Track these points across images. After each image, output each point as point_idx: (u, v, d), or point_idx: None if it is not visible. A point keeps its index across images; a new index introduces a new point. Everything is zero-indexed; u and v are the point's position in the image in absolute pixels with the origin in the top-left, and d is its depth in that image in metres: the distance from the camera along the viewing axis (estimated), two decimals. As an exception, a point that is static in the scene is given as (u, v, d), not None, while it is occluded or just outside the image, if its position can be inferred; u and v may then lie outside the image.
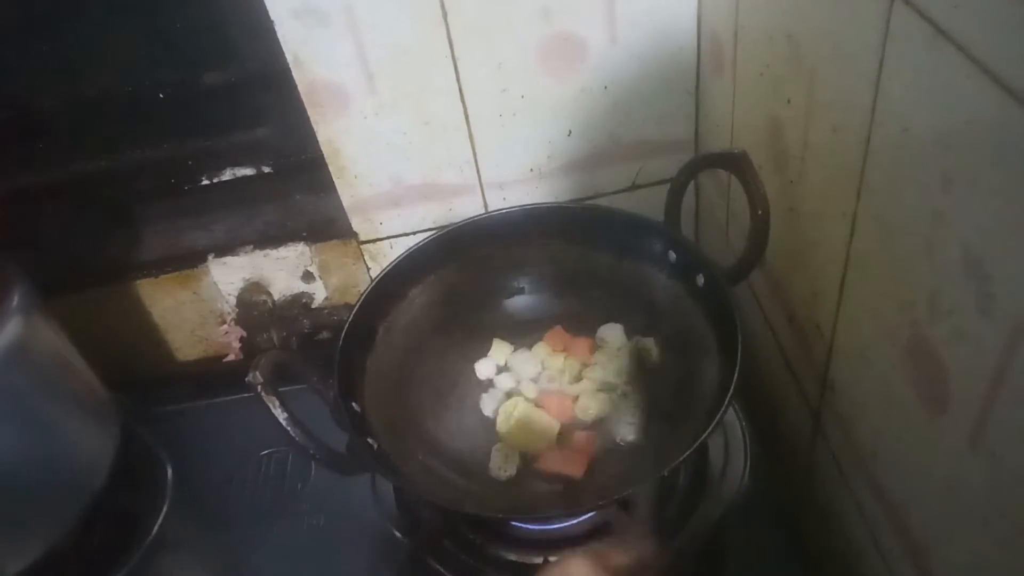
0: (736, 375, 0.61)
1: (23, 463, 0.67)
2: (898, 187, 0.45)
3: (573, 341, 0.78)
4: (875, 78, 0.45)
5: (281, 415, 0.57)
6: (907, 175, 0.44)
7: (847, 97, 0.49)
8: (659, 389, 0.73)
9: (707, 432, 0.58)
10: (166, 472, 0.84)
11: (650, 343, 0.75)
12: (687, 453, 0.58)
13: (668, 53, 0.79)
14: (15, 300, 0.68)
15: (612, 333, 0.77)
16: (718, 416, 0.59)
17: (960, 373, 0.42)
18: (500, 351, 0.78)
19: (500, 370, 0.77)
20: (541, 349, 0.78)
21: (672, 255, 0.74)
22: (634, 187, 0.89)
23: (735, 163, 0.65)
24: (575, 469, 0.68)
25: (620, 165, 0.87)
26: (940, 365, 0.44)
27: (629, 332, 0.77)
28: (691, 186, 0.75)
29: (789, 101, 0.59)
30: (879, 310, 0.51)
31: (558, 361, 0.76)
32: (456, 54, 0.77)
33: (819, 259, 0.59)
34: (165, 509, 0.80)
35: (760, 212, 0.64)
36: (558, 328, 0.78)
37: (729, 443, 0.70)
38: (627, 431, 0.70)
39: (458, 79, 0.78)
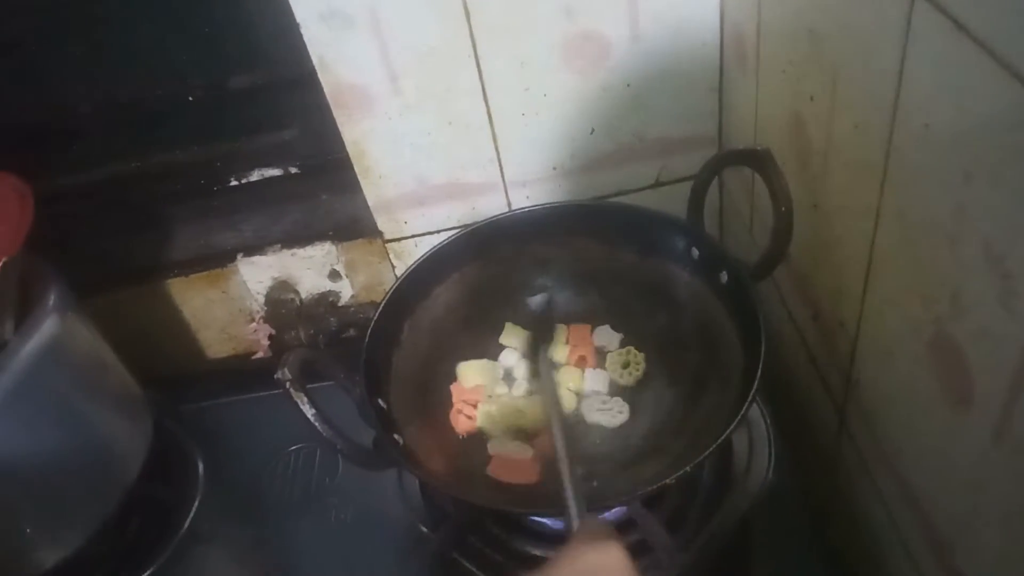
0: (760, 372, 0.61)
1: (60, 457, 0.69)
2: (920, 183, 0.45)
3: (585, 342, 0.78)
4: (897, 74, 0.45)
5: (309, 411, 0.58)
6: (929, 171, 0.44)
7: (869, 93, 0.49)
8: (681, 386, 0.73)
9: (730, 428, 0.58)
10: (197, 467, 0.86)
11: (640, 358, 0.75)
12: (711, 449, 0.58)
13: (691, 50, 0.79)
14: (51, 300, 0.70)
15: (606, 337, 0.78)
16: (741, 412, 0.59)
17: (983, 369, 0.42)
18: (511, 336, 0.79)
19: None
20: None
21: (695, 252, 0.74)
22: (657, 184, 0.89)
23: (758, 160, 0.65)
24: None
25: (643, 162, 0.88)
26: (963, 361, 0.44)
27: (622, 342, 0.78)
28: (715, 183, 0.75)
29: (812, 97, 0.59)
30: (903, 306, 0.51)
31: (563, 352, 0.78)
32: (479, 54, 0.77)
33: (843, 255, 0.59)
34: (197, 502, 0.82)
35: (783, 208, 0.64)
36: (585, 327, 0.79)
37: (753, 439, 0.70)
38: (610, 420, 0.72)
39: (481, 79, 0.79)
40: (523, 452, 0.70)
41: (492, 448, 0.71)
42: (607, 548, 0.46)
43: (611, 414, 0.72)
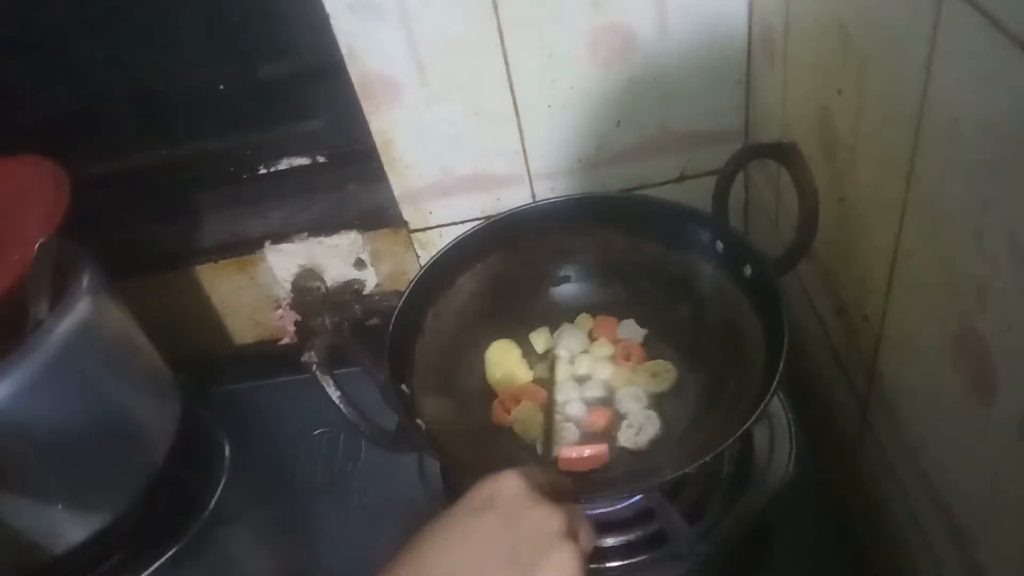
0: (782, 365, 0.61)
1: (90, 437, 0.71)
2: (947, 177, 0.45)
3: (611, 335, 0.79)
4: (925, 67, 0.45)
5: (334, 393, 0.59)
6: (956, 164, 0.44)
7: (897, 87, 0.49)
8: (704, 378, 0.73)
9: (751, 420, 0.58)
10: (223, 450, 0.88)
11: (672, 371, 0.74)
12: (730, 440, 0.58)
13: (718, 43, 0.79)
14: (85, 282, 0.72)
15: (631, 331, 0.78)
16: (763, 405, 0.59)
17: (1008, 363, 0.42)
18: (540, 339, 0.79)
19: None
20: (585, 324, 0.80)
21: (719, 245, 0.74)
22: (682, 178, 0.89)
23: (785, 154, 0.65)
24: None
25: (669, 156, 0.88)
26: (988, 355, 0.43)
27: (647, 337, 0.78)
28: (741, 177, 0.75)
29: (839, 91, 0.59)
30: (928, 300, 0.51)
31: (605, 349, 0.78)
32: (506, 45, 0.78)
33: (868, 249, 0.59)
34: (222, 485, 0.84)
35: (809, 202, 0.64)
36: (611, 320, 0.79)
37: (774, 433, 0.70)
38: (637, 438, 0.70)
39: (508, 70, 0.79)
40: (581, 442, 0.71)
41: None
42: (502, 476, 0.47)
43: (640, 434, 0.71)
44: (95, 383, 0.71)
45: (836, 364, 0.71)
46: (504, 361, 0.77)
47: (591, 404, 0.74)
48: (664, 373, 0.74)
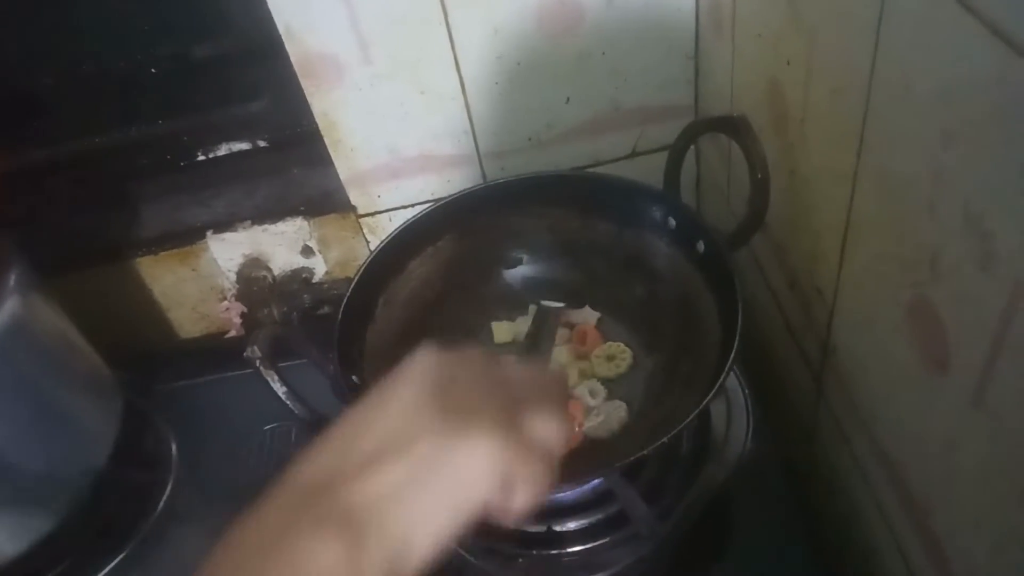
0: (737, 341, 0.60)
1: (26, 441, 0.68)
2: (898, 146, 0.44)
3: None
4: (874, 35, 0.44)
5: (279, 388, 0.57)
6: (907, 133, 0.43)
7: (847, 56, 0.48)
8: (659, 357, 0.73)
9: (708, 398, 0.58)
10: (171, 447, 0.85)
11: (627, 354, 0.74)
12: (689, 419, 0.58)
13: (666, 15, 0.78)
14: (12, 279, 0.68)
15: (584, 315, 0.77)
16: (719, 382, 0.58)
17: (961, 333, 0.42)
18: (502, 332, 0.78)
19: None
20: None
21: (672, 222, 0.73)
22: (634, 154, 0.88)
23: (734, 127, 0.65)
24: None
25: (620, 132, 0.86)
26: (941, 325, 0.43)
27: (600, 321, 0.77)
28: (692, 153, 0.74)
29: (789, 62, 0.58)
30: (880, 271, 0.50)
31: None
32: (450, 20, 0.75)
33: (820, 222, 0.59)
34: (171, 484, 0.81)
35: (760, 176, 0.63)
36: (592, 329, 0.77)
37: (731, 408, 0.70)
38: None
39: (453, 47, 0.77)
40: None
41: None
42: (413, 356, 0.41)
43: (609, 420, 0.70)
44: (27, 385, 0.68)
45: (791, 337, 0.71)
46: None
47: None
48: (620, 355, 0.73)
